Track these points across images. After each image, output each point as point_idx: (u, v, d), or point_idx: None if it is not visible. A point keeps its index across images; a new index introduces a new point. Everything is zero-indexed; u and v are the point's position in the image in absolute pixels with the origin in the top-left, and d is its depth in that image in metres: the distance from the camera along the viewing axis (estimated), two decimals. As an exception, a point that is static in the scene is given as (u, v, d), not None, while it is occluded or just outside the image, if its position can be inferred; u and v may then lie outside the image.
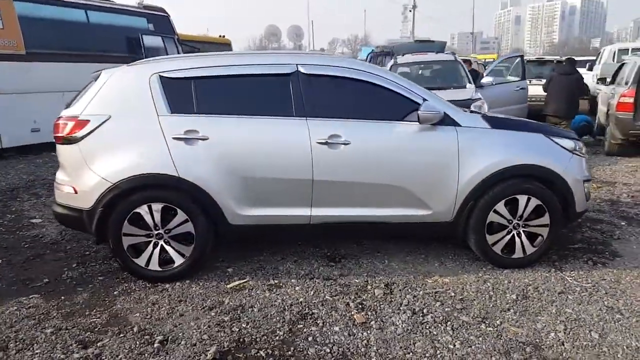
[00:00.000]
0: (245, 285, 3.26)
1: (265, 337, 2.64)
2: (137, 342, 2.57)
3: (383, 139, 3.33)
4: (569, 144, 3.51)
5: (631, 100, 7.11)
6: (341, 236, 3.86)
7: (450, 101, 3.71)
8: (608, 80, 9.40)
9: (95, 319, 2.84)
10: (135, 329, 2.70)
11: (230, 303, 3.01)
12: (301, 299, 3.05)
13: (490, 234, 3.42)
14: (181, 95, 3.24)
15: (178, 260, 3.27)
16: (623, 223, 4.49)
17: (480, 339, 2.60)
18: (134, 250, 3.25)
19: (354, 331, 2.69)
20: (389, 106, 3.39)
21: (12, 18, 7.88)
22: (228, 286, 3.25)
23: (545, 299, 3.03)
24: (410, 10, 49.32)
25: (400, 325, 2.73)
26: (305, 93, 3.30)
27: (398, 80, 3.45)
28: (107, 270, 3.54)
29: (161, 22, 11.52)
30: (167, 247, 3.25)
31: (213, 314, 2.89)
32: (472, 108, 5.80)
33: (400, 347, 2.53)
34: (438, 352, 2.49)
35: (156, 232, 3.22)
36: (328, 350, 2.51)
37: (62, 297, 3.11)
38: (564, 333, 2.65)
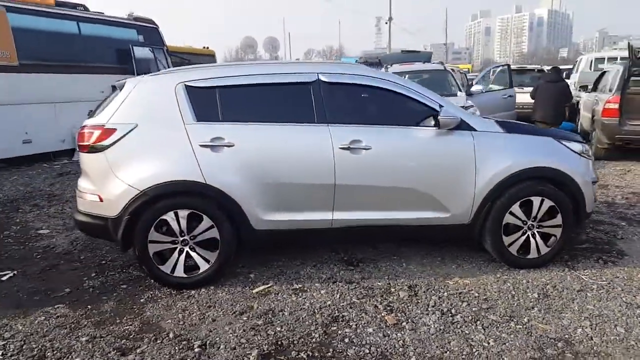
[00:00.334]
0: (270, 290, 3.29)
1: (302, 339, 2.67)
2: (176, 348, 2.58)
3: (402, 143, 3.43)
4: (577, 147, 3.67)
5: (616, 106, 7.42)
6: (361, 239, 3.92)
7: None
8: (590, 87, 9.77)
9: (127, 326, 2.83)
10: (170, 335, 2.71)
11: (260, 308, 3.04)
12: (329, 302, 3.10)
13: (506, 235, 3.54)
14: (206, 103, 3.28)
15: (203, 267, 3.28)
16: (623, 223, 4.68)
17: (512, 336, 2.69)
18: (159, 258, 3.25)
19: (388, 332, 2.74)
20: (406, 112, 3.49)
21: (6, 29, 7.78)
22: (254, 291, 3.27)
23: (565, 297, 3.15)
24: (386, 23, 50.24)
25: (432, 326, 2.80)
26: (326, 100, 3.38)
27: (414, 87, 3.56)
28: (127, 278, 3.52)
29: (151, 34, 11.50)
30: (193, 254, 3.26)
31: (245, 318, 2.91)
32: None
33: (437, 347, 2.60)
34: (474, 350, 2.56)
35: (182, 238, 3.23)
36: (367, 351, 2.56)
37: (89, 306, 3.08)
38: (591, 329, 2.76)
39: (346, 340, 2.67)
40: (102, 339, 2.68)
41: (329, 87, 3.41)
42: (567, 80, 13.79)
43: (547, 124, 7.99)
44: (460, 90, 8.86)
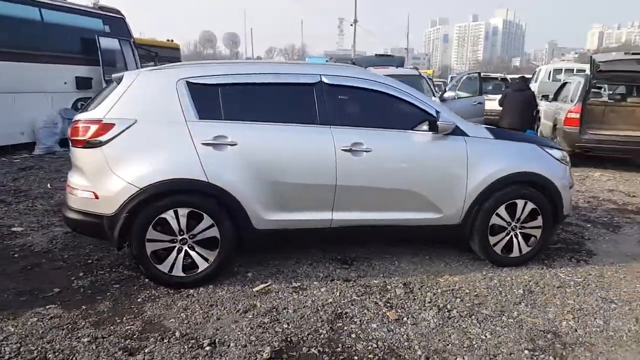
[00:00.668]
0: (270, 289, 3.31)
1: (311, 335, 2.72)
2: (185, 347, 2.56)
3: (401, 146, 3.54)
4: (557, 153, 3.93)
5: (577, 115, 7.92)
6: (357, 239, 4.01)
7: None
8: (550, 97, 10.36)
9: (129, 326, 2.77)
10: (177, 334, 2.68)
11: (263, 306, 3.06)
12: (330, 300, 3.16)
13: (492, 235, 3.73)
14: (208, 101, 3.25)
15: (202, 266, 3.26)
16: (589, 225, 5.03)
17: (506, 329, 2.86)
18: (156, 257, 3.20)
19: (391, 327, 2.84)
20: (405, 116, 3.61)
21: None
22: (254, 290, 3.28)
23: (547, 293, 3.37)
24: (351, 25, 50.83)
25: (431, 320, 2.93)
26: (328, 102, 3.44)
27: (414, 92, 3.69)
28: (119, 278, 3.43)
29: (117, 24, 11.10)
30: (192, 252, 3.23)
31: (250, 316, 2.92)
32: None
33: (439, 340, 2.73)
34: (474, 342, 2.71)
35: (180, 237, 3.19)
36: (375, 346, 2.64)
37: (84, 307, 2.98)
38: (574, 321, 2.98)
39: (353, 335, 2.74)
40: (105, 340, 2.61)
41: (331, 89, 3.47)
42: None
43: (514, 130, 8.42)
44: (434, 96, 9.14)
